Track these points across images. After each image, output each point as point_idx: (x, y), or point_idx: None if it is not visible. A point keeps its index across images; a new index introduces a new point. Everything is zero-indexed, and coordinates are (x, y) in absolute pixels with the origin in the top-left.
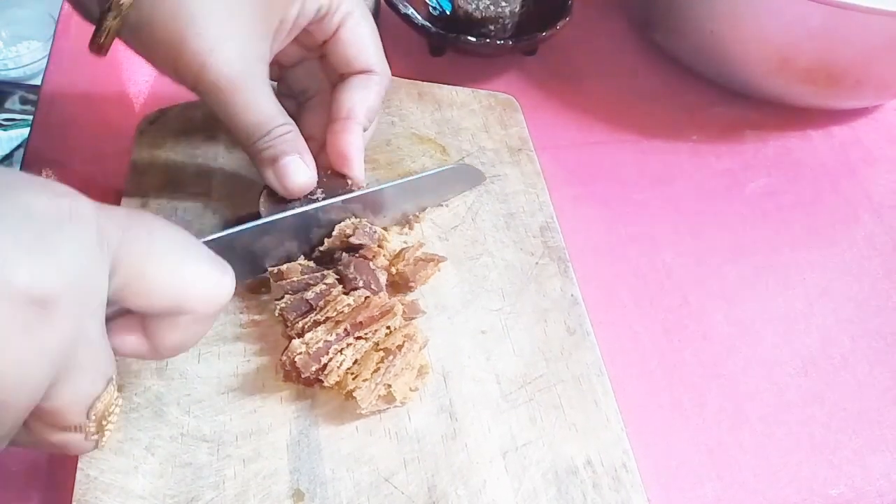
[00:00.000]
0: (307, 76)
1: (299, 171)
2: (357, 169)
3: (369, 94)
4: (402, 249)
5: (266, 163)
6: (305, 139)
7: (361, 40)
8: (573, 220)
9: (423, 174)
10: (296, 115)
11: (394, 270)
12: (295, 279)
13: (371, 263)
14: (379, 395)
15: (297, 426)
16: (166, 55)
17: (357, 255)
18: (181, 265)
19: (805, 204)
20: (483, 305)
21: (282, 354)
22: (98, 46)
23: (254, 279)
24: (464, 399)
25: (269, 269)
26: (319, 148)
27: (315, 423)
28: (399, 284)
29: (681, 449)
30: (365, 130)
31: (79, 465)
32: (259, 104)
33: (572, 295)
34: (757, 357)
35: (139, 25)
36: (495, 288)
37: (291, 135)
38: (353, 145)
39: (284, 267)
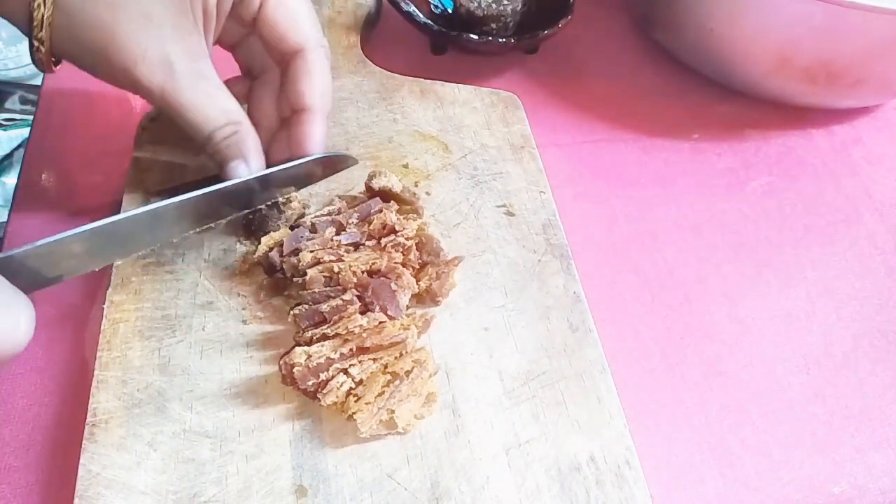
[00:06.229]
0: (250, 55)
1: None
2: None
3: (314, 76)
4: (427, 263)
5: (219, 167)
6: (255, 126)
7: (286, 16)
8: (575, 218)
9: (300, 161)
10: (246, 97)
11: (422, 286)
12: (316, 290)
13: (393, 283)
14: (381, 420)
15: (300, 422)
16: (101, 71)
17: (379, 275)
18: None
19: (806, 202)
20: (486, 302)
21: (282, 357)
22: (40, 63)
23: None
24: (466, 396)
25: (295, 279)
26: (270, 135)
27: (318, 419)
28: (425, 298)
29: (683, 446)
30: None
31: (81, 460)
32: (193, 104)
33: (575, 292)
34: (758, 355)
35: (68, 47)
36: (498, 285)
37: (236, 136)
38: (312, 139)
39: (308, 276)
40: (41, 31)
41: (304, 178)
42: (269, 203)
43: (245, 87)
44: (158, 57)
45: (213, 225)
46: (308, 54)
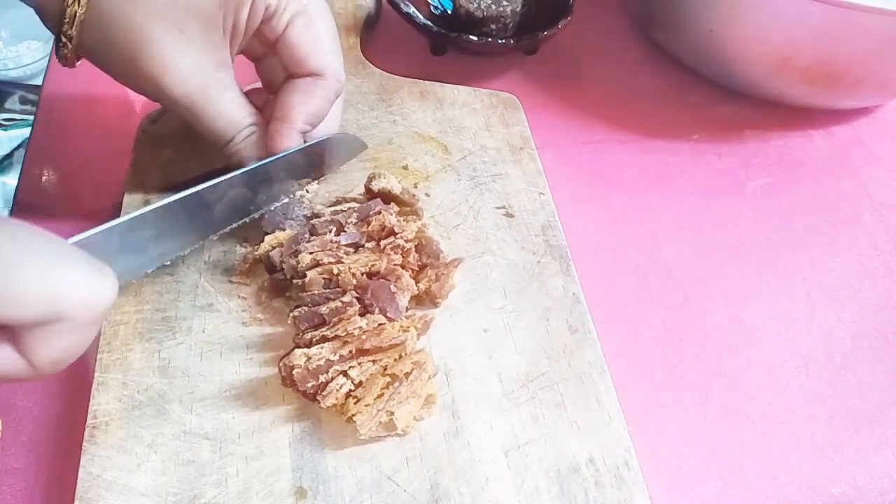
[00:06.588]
0: (272, 72)
1: None
2: None
3: (312, 99)
4: (426, 265)
5: (235, 167)
6: None
7: (310, 42)
8: (575, 219)
9: (306, 145)
10: (263, 110)
11: (422, 287)
12: (316, 292)
13: (392, 285)
14: (380, 422)
15: (300, 424)
16: (125, 75)
17: (379, 277)
18: (54, 269)
19: (806, 203)
20: (485, 304)
21: (281, 359)
22: (64, 58)
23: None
24: (466, 397)
25: (295, 281)
26: None
27: (317, 421)
28: (424, 299)
29: (682, 447)
30: (306, 133)
31: (81, 462)
32: (218, 113)
33: (574, 293)
34: (758, 356)
35: (95, 47)
36: (497, 286)
37: (253, 137)
38: (283, 149)
39: (307, 278)
40: (71, 28)
41: (317, 164)
42: (284, 200)
43: (262, 99)
44: (187, 69)
45: (238, 224)
46: (319, 80)
